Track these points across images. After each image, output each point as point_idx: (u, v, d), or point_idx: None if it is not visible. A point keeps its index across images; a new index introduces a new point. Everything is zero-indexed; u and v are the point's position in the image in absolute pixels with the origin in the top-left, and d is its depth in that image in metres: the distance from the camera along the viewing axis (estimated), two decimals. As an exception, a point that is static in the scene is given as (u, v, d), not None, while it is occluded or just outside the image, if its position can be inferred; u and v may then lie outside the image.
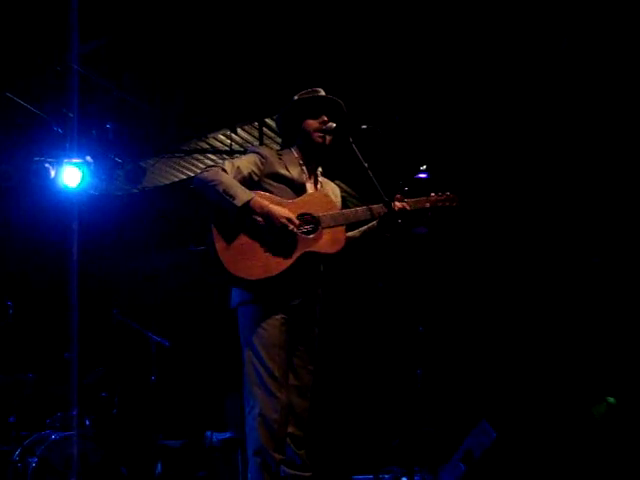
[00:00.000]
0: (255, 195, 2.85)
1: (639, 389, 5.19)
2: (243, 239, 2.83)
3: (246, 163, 2.96)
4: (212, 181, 2.83)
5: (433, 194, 3.15)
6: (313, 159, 3.13)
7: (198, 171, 8.13)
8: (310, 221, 2.93)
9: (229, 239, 2.83)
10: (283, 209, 2.88)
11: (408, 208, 3.03)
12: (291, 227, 2.85)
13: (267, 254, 2.84)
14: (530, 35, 4.84)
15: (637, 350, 5.45)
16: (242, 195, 2.81)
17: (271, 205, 2.86)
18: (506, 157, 6.08)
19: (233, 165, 2.92)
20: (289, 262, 2.85)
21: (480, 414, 4.87)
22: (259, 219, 2.84)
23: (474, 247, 6.56)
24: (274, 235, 2.85)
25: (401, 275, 6.47)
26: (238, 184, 2.86)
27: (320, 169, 3.18)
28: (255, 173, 2.95)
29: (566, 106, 5.45)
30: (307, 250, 2.90)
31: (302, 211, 2.94)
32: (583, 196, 5.96)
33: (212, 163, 7.03)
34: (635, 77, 5.01)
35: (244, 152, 3.14)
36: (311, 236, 2.92)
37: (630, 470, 4.51)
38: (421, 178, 6.21)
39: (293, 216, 2.88)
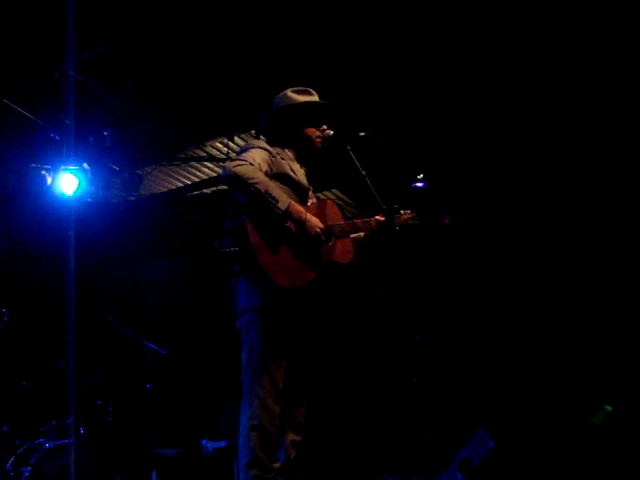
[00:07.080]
0: (291, 200, 2.82)
1: (637, 397, 5.18)
2: (276, 242, 2.76)
3: (262, 160, 2.87)
4: (251, 179, 2.73)
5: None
6: (306, 162, 3.15)
7: (195, 179, 8.14)
8: (324, 230, 2.93)
9: (263, 237, 2.73)
10: (317, 219, 2.86)
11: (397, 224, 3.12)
12: (323, 238, 2.85)
13: (295, 262, 2.79)
14: (526, 45, 4.85)
15: (634, 358, 5.44)
16: (284, 199, 2.77)
17: (307, 213, 2.83)
18: (503, 165, 6.09)
19: (255, 161, 2.82)
20: (313, 274, 2.82)
21: (477, 423, 4.85)
22: (293, 225, 2.82)
23: (471, 255, 6.56)
24: (304, 243, 2.83)
25: (398, 284, 6.46)
26: (275, 186, 2.81)
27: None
28: (267, 172, 2.89)
29: (561, 117, 5.47)
30: (327, 259, 2.90)
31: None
32: (579, 206, 5.97)
33: (209, 170, 7.08)
34: (630, 86, 5.03)
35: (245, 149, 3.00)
36: (330, 244, 2.92)
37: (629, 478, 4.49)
38: (418, 187, 6.21)
39: (323, 226, 2.86)
